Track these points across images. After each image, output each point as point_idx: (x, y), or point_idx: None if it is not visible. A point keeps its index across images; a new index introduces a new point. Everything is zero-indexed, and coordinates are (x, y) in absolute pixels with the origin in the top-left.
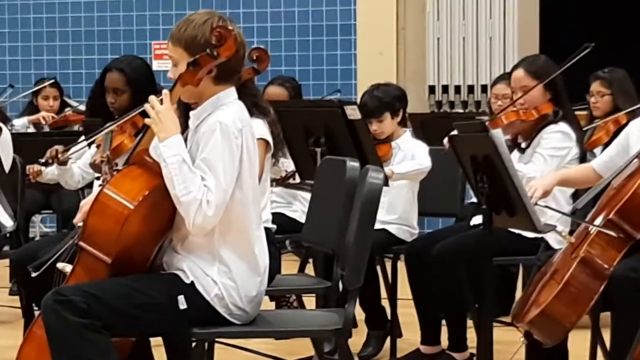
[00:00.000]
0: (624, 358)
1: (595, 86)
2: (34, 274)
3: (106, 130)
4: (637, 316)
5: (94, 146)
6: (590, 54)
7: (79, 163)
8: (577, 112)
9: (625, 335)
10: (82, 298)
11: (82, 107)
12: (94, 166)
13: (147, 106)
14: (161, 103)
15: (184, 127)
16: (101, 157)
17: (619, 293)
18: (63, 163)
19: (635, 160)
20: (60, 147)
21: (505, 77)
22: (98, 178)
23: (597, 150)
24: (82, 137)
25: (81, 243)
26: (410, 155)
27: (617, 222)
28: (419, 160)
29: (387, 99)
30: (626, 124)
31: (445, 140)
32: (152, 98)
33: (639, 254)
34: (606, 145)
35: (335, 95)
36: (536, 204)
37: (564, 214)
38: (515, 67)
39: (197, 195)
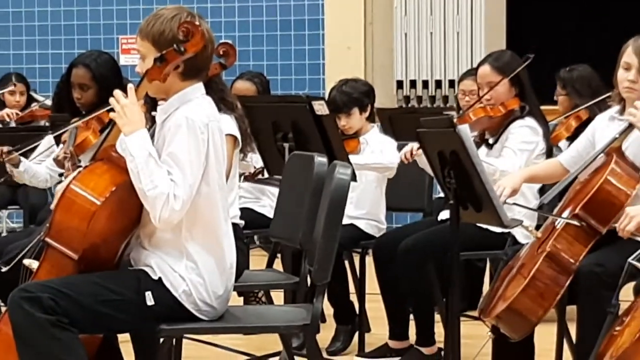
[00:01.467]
0: (590, 352)
1: (557, 85)
2: (4, 269)
3: (71, 127)
4: (602, 310)
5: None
6: (559, 49)
7: (47, 162)
8: (550, 108)
9: (591, 329)
10: (49, 295)
11: (49, 102)
12: (57, 162)
13: (112, 100)
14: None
15: (152, 122)
16: (64, 153)
17: (585, 287)
18: (14, 164)
19: (602, 155)
20: (5, 148)
21: (473, 73)
22: (62, 174)
23: (561, 145)
24: (48, 133)
25: (48, 239)
26: (378, 151)
27: (583, 216)
28: (384, 156)
29: (356, 95)
30: (588, 120)
31: (403, 154)
32: (117, 92)
33: (604, 248)
34: (569, 140)
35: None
36: (505, 202)
37: (530, 209)
38: (481, 63)
39: (163, 189)
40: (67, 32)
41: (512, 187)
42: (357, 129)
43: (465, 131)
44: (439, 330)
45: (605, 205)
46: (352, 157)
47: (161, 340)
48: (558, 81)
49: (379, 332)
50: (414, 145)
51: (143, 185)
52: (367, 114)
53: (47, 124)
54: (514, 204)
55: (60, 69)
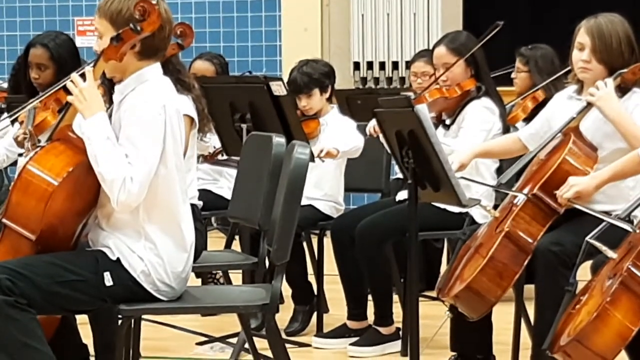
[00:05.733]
0: (548, 330)
1: (517, 62)
2: None
3: (29, 107)
4: (560, 289)
5: (17, 123)
6: (514, 31)
7: (2, 142)
8: (506, 89)
9: (548, 308)
10: (7, 276)
11: (5, 85)
12: (17, 142)
13: (69, 84)
14: (84, 80)
15: (109, 103)
16: (24, 134)
17: (543, 266)
18: None
19: (559, 134)
20: None
21: (423, 54)
22: (22, 154)
23: (518, 126)
24: (4, 115)
25: (5, 220)
26: (340, 132)
27: (541, 196)
28: (353, 137)
29: (316, 75)
30: (544, 101)
31: (370, 127)
32: (74, 75)
33: (562, 227)
34: (525, 121)
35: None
36: (463, 177)
37: (488, 185)
38: (436, 44)
39: (121, 172)
40: (22, 13)
41: (460, 161)
42: (317, 109)
43: (424, 111)
44: (397, 311)
45: (562, 185)
46: (338, 147)
47: (120, 321)
48: (519, 58)
49: (337, 312)
50: None
51: (101, 169)
52: (327, 94)
53: (3, 105)
54: (471, 180)
55: (16, 50)
